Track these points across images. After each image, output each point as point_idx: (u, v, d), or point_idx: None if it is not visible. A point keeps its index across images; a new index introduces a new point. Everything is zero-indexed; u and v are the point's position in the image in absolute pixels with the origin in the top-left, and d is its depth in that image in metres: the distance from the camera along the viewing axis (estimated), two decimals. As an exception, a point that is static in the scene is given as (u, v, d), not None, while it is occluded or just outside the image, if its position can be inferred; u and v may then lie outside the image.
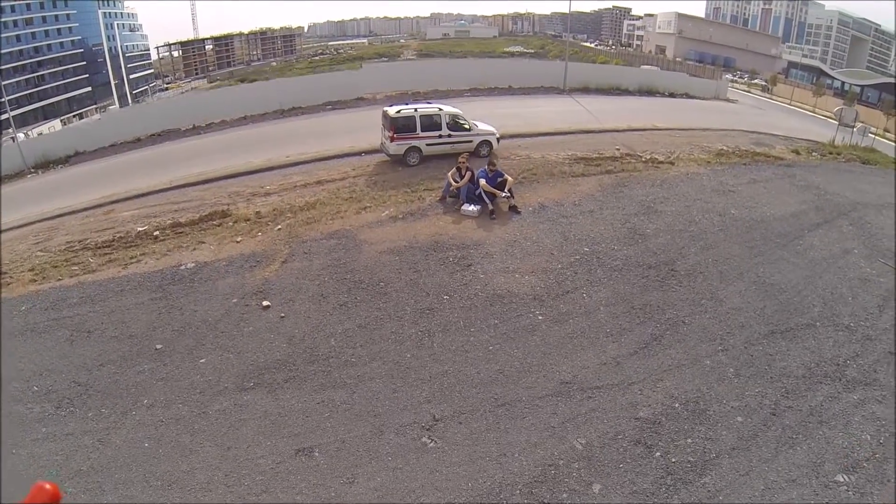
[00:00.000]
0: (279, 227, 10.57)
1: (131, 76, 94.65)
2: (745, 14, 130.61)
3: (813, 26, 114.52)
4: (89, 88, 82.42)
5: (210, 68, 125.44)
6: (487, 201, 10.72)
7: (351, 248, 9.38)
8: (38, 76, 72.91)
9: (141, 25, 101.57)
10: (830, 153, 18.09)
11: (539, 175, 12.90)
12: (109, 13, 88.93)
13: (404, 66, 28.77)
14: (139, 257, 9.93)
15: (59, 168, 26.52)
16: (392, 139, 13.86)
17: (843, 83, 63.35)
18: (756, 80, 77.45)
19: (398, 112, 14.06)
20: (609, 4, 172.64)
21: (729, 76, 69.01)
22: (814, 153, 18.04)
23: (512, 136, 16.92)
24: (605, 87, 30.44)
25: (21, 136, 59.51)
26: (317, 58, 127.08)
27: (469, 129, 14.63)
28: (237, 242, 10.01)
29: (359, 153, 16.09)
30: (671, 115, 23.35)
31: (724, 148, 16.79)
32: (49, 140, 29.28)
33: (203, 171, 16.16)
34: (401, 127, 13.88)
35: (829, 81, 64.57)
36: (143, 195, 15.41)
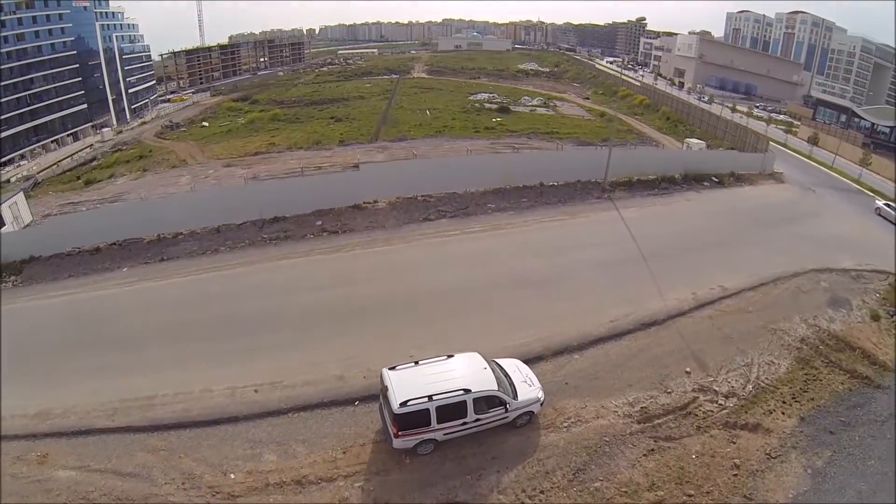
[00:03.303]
0: None
1: (130, 90, 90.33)
2: (766, 37, 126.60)
3: (835, 52, 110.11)
4: (85, 105, 77.79)
5: (215, 76, 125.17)
6: None
7: None
8: (27, 79, 67.65)
9: (142, 36, 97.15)
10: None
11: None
12: (107, 23, 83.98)
13: (412, 166, 25.57)
14: None
15: (11, 280, 23.33)
16: (396, 435, 10.32)
17: (872, 124, 60.52)
18: (781, 115, 74.54)
19: (404, 402, 10.11)
20: (624, 18, 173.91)
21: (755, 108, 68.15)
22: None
23: (551, 355, 13.61)
24: (650, 179, 27.25)
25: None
26: (324, 69, 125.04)
27: (507, 406, 10.90)
28: None
29: (351, 401, 12.46)
30: (729, 244, 20.57)
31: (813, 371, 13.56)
32: (6, 239, 25.87)
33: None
34: (409, 423, 10.20)
35: (857, 121, 61.50)
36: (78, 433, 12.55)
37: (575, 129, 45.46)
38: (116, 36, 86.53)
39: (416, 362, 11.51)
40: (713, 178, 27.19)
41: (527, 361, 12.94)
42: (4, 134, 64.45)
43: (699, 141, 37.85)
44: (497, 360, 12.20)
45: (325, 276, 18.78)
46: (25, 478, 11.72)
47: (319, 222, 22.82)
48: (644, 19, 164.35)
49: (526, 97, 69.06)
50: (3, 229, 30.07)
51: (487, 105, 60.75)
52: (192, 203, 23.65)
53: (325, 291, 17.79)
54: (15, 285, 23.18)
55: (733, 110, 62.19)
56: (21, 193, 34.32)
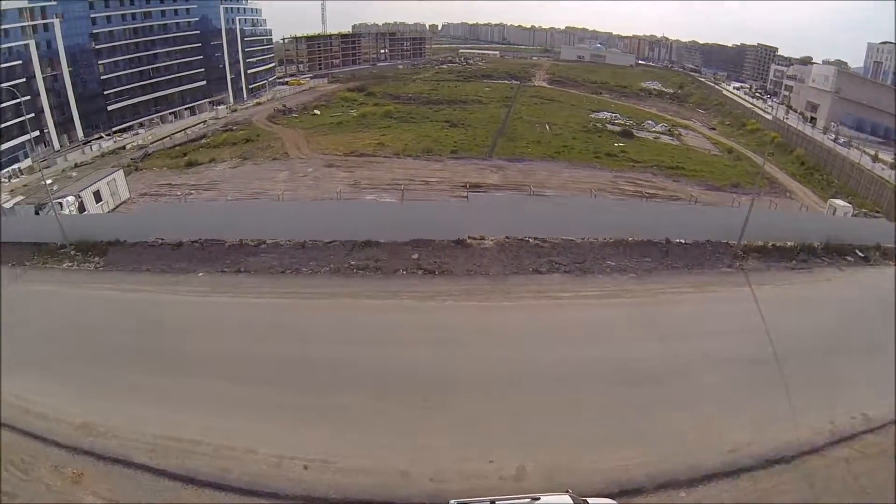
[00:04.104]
0: None
1: (249, 70, 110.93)
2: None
3: None
4: (204, 82, 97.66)
5: (335, 63, 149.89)
6: None
7: None
8: (151, 54, 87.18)
9: (264, 20, 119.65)
10: None
11: None
12: (230, 6, 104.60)
13: (528, 204, 25.50)
14: None
15: (95, 262, 27.66)
16: None
17: None
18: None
19: None
20: (754, 41, 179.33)
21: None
22: None
23: (653, 488, 13.37)
24: (787, 246, 26.80)
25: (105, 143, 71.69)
26: (444, 66, 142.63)
27: None
28: None
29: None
30: (877, 351, 19.35)
31: None
32: (93, 220, 31.27)
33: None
34: None
35: None
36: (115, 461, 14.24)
37: (702, 168, 47.70)
38: (239, 19, 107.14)
39: (493, 502, 11.17)
40: (857, 252, 26.92)
41: (625, 494, 12.70)
42: (126, 103, 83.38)
43: (845, 203, 38.26)
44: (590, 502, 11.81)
45: (410, 328, 18.78)
46: (59, 492, 13.89)
47: (416, 256, 23.30)
48: (777, 51, 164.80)
49: (650, 121, 72.33)
50: (99, 204, 36.85)
51: (609, 126, 64.41)
52: (282, 212, 26.01)
53: (408, 350, 17.69)
54: (97, 268, 27.80)
55: (875, 159, 60.55)
56: (121, 171, 41.89)
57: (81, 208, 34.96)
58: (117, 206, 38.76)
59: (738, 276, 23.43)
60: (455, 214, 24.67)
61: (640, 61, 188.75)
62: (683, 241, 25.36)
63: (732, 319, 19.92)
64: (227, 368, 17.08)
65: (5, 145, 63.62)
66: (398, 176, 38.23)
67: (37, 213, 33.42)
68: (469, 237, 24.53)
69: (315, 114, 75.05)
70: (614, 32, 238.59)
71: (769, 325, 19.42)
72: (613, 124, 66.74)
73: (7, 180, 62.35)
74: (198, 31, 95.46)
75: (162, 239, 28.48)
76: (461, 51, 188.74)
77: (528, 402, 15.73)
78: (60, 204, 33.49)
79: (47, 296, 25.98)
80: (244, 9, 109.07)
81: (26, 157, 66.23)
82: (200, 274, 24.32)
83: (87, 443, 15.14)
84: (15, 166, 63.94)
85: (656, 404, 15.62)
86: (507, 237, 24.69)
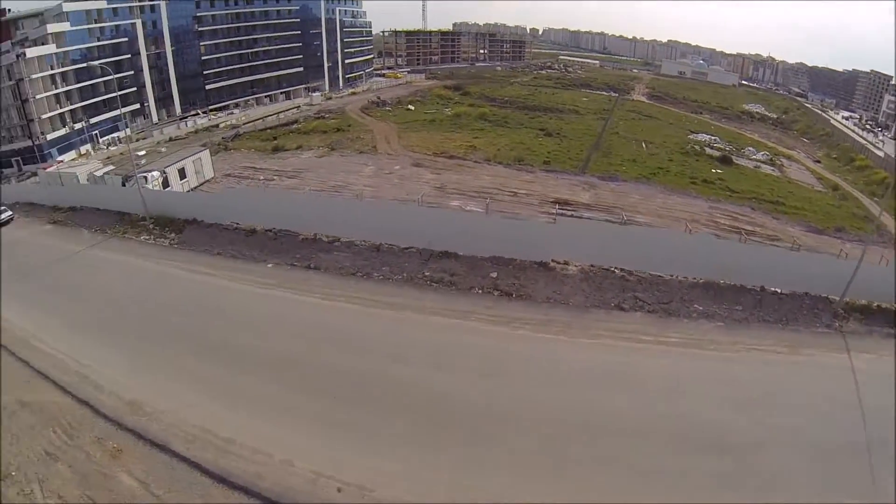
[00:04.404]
0: None
1: (347, 60, 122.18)
2: None
3: None
4: (301, 69, 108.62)
5: (433, 59, 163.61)
6: None
7: None
8: (251, 38, 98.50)
9: (364, 12, 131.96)
10: None
11: None
12: None
13: (618, 233, 24.73)
14: None
15: (170, 238, 29.93)
16: None
17: None
18: None
19: None
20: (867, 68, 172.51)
21: None
22: None
23: None
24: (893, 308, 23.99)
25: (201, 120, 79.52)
26: (543, 72, 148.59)
27: None
28: None
29: None
30: None
31: None
32: (173, 197, 33.83)
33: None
34: None
35: None
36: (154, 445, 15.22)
37: (804, 205, 47.19)
38: (339, 9, 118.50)
39: None
40: None
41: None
42: (224, 83, 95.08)
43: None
44: None
45: (476, 354, 18.27)
46: (96, 464, 15.09)
47: (495, 274, 22.99)
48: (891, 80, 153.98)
49: (750, 148, 72.50)
50: (183, 181, 40.02)
51: (708, 150, 65.36)
52: (361, 210, 26.76)
53: (468, 377, 17.18)
54: (171, 244, 30.19)
55: None
56: (207, 151, 45.47)
57: (165, 184, 38.32)
58: (200, 185, 42.06)
59: (837, 340, 21.54)
60: (541, 234, 24.19)
61: (743, 81, 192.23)
62: (779, 291, 23.56)
63: (825, 391, 18.34)
64: (279, 369, 17.61)
65: (108, 115, 74.24)
66: (486, 184, 38.44)
67: (123, 184, 37.13)
68: (553, 260, 23.94)
69: (409, 109, 78.92)
70: (718, 49, 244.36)
71: (865, 405, 17.60)
72: (712, 148, 67.00)
73: (105, 147, 71.10)
74: (298, 20, 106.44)
75: (237, 223, 30.38)
76: (561, 57, 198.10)
77: (585, 453, 14.81)
78: (145, 178, 36.76)
79: (121, 266, 28.78)
80: (345, 0, 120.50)
81: (126, 127, 76.69)
82: (270, 265, 25.54)
83: (132, 421, 16.22)
84: (115, 135, 73.91)
85: (735, 487, 14.29)
86: (592, 265, 23.88)
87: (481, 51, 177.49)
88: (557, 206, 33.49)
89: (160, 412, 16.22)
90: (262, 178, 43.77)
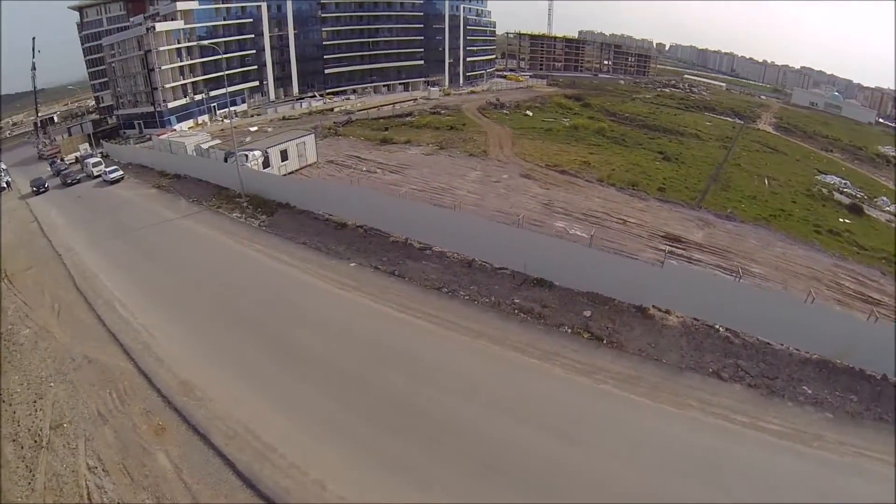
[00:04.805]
0: None
1: (468, 58, 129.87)
2: None
3: None
4: (422, 62, 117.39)
5: (556, 66, 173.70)
6: None
7: None
8: (373, 28, 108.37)
9: (489, 11, 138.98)
10: None
11: None
12: None
13: (731, 289, 23.58)
14: None
15: (260, 220, 32.20)
16: None
17: None
18: None
19: None
20: None
21: None
22: None
23: None
24: None
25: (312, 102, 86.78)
26: (666, 90, 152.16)
27: None
28: None
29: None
30: None
31: None
32: (270, 179, 36.19)
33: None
34: None
35: None
36: (196, 431, 16.51)
37: None
38: (464, 6, 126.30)
39: None
40: None
41: None
42: (343, 69, 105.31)
43: None
44: None
45: (551, 408, 17.26)
46: (139, 437, 16.71)
47: (588, 313, 22.06)
48: None
49: (884, 198, 69.85)
50: (284, 163, 42.80)
51: (837, 195, 64.19)
52: (457, 220, 26.91)
53: (534, 431, 16.22)
54: (260, 226, 32.54)
55: None
56: (312, 135, 48.45)
57: (266, 164, 41.14)
58: (301, 168, 44.94)
59: None
60: (645, 276, 22.77)
61: (880, 119, 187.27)
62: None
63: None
64: (337, 382, 18.16)
65: (227, 90, 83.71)
66: (596, 207, 37.36)
67: (225, 160, 40.39)
68: (654, 306, 22.55)
69: (527, 114, 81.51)
70: (855, 80, 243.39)
71: None
72: (842, 193, 64.70)
73: (221, 120, 78.91)
74: (421, 13, 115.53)
75: (329, 215, 31.81)
76: (686, 76, 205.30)
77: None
78: (246, 156, 39.81)
79: (206, 241, 31.86)
80: None
81: (243, 102, 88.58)
82: (353, 264, 26.56)
83: (181, 402, 17.64)
84: (232, 108, 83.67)
85: None
86: (695, 318, 22.23)
87: (605, 62, 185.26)
88: (667, 244, 31.77)
89: (209, 399, 17.46)
90: (364, 168, 45.73)
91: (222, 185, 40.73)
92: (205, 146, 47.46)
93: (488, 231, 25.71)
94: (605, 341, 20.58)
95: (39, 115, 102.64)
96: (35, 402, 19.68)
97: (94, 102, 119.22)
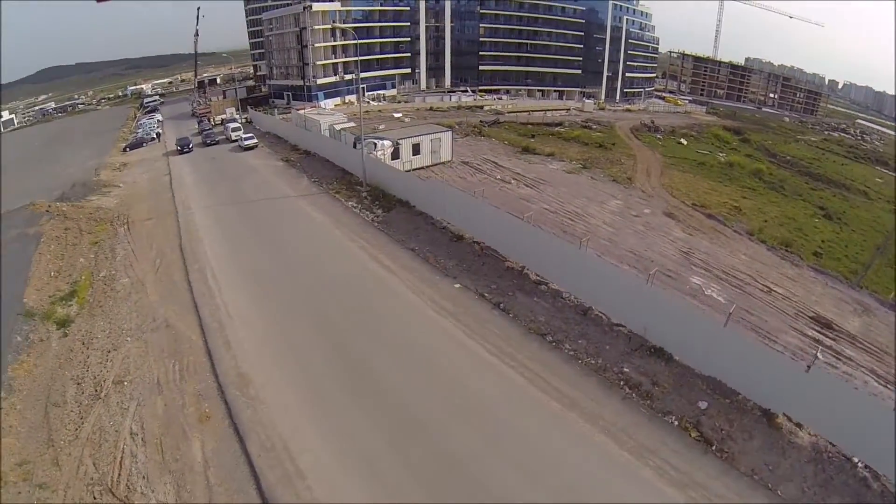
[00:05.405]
0: None
1: (627, 73, 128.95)
2: None
3: None
4: (579, 71, 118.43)
5: (718, 93, 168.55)
6: None
7: None
8: (531, 30, 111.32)
9: (654, 27, 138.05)
10: None
11: None
12: (620, 4, 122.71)
13: (871, 408, 18.97)
14: None
15: (375, 214, 32.56)
16: None
17: None
18: None
19: None
20: None
21: None
22: None
23: None
24: None
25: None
26: (835, 134, 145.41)
27: None
28: None
29: None
30: None
31: None
32: (393, 173, 37.05)
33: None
34: None
35: None
36: (235, 430, 16.63)
37: None
38: (627, 19, 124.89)
39: None
40: None
41: None
42: (498, 68, 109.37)
43: None
44: None
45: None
46: (184, 418, 17.22)
47: (703, 405, 18.99)
48: None
49: None
50: (415, 157, 43.06)
51: None
52: (583, 261, 24.78)
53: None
54: (373, 221, 32.92)
55: None
56: (450, 132, 48.57)
57: (395, 155, 41.45)
58: (433, 165, 45.09)
59: None
60: (784, 374, 19.13)
61: None
62: None
63: None
64: (396, 420, 16.99)
65: (378, 73, 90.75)
66: (740, 265, 33.46)
67: (354, 146, 41.11)
68: (784, 415, 18.85)
69: (681, 142, 79.44)
70: None
71: None
72: None
73: (368, 102, 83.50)
74: (582, 20, 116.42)
75: (448, 223, 30.96)
76: (858, 121, 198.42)
77: None
78: (375, 144, 40.34)
79: (313, 227, 32.74)
80: (634, 10, 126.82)
81: (393, 87, 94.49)
82: (457, 285, 25.40)
83: (233, 395, 17.78)
84: (381, 91, 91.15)
85: None
86: (832, 443, 18.14)
87: (770, 94, 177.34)
88: (814, 328, 27.46)
89: (259, 401, 17.40)
90: (498, 176, 44.98)
91: (347, 170, 42.08)
92: (338, 127, 49.36)
93: (614, 279, 23.40)
94: (714, 447, 17.50)
95: (204, 76, 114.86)
96: (109, 352, 21.19)
97: (252, 70, 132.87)
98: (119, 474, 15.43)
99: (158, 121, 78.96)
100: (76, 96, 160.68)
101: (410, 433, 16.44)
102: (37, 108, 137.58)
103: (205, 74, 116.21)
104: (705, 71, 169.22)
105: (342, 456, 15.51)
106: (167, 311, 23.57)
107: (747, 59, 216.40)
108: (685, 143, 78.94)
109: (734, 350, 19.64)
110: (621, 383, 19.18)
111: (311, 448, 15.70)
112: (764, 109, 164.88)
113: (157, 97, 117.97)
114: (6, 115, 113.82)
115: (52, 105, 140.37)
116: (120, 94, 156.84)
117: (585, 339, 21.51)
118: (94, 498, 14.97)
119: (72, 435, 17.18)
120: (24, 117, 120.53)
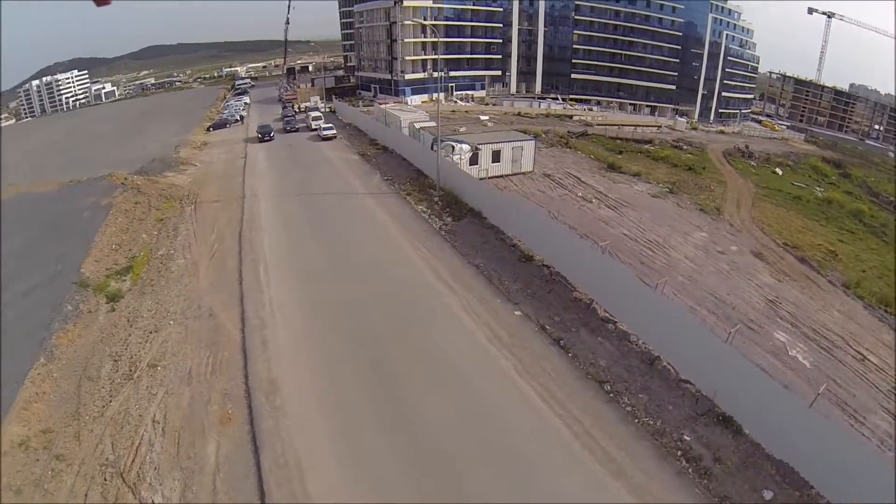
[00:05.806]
0: None
1: (724, 92, 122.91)
2: None
3: None
4: (673, 86, 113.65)
5: (819, 120, 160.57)
6: None
7: None
8: (626, 41, 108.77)
9: (754, 44, 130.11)
10: None
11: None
12: (720, 18, 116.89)
13: None
14: None
15: (445, 224, 32.21)
16: None
17: None
18: None
19: None
20: None
21: None
22: None
23: None
24: None
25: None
26: None
27: None
28: None
29: None
30: None
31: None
32: (468, 181, 36.38)
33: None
34: None
35: None
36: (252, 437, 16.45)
37: None
38: (726, 34, 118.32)
39: None
40: None
41: None
42: (590, 77, 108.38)
43: None
44: None
45: None
46: (206, 416, 17.24)
47: (769, 496, 16.73)
48: None
49: None
50: (494, 164, 42.25)
51: None
52: (657, 304, 22.85)
53: None
54: (441, 230, 31.97)
55: None
56: (534, 141, 47.44)
57: (474, 160, 40.74)
58: (512, 174, 44.40)
59: None
60: (867, 468, 16.46)
61: None
62: None
63: None
64: (424, 461, 15.86)
65: (468, 73, 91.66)
66: (832, 324, 30.18)
67: (432, 147, 40.58)
68: None
69: (776, 172, 74.76)
70: None
71: None
72: None
73: (456, 101, 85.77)
74: (680, 34, 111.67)
75: (518, 240, 29.66)
76: None
77: None
78: (453, 147, 39.77)
79: (375, 230, 32.34)
80: (735, 24, 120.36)
81: (482, 88, 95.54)
82: (518, 313, 23.90)
83: (259, 401, 17.54)
84: (469, 92, 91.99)
85: None
86: None
87: (876, 126, 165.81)
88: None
89: (283, 412, 17.03)
90: (579, 194, 43.51)
91: (423, 172, 41.78)
92: (418, 125, 49.27)
93: (688, 327, 21.46)
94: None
95: (297, 62, 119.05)
96: (151, 333, 21.70)
97: (343, 61, 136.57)
98: (133, 460, 15.69)
99: (245, 103, 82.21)
100: (174, 74, 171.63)
101: (432, 471, 15.48)
102: (137, 82, 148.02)
103: (298, 62, 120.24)
104: (806, 95, 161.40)
105: (355, 484, 14.78)
106: (213, 299, 23.88)
107: (851, 86, 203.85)
108: (780, 172, 75.20)
109: (814, 433, 17.37)
110: (678, 454, 17.22)
111: (324, 471, 15.13)
112: (867, 142, 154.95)
113: (248, 80, 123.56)
114: (108, 87, 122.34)
115: (152, 80, 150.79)
116: (215, 74, 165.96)
117: (647, 394, 19.70)
118: (105, 480, 15.23)
119: (98, 412, 17.68)
120: (125, 90, 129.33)
